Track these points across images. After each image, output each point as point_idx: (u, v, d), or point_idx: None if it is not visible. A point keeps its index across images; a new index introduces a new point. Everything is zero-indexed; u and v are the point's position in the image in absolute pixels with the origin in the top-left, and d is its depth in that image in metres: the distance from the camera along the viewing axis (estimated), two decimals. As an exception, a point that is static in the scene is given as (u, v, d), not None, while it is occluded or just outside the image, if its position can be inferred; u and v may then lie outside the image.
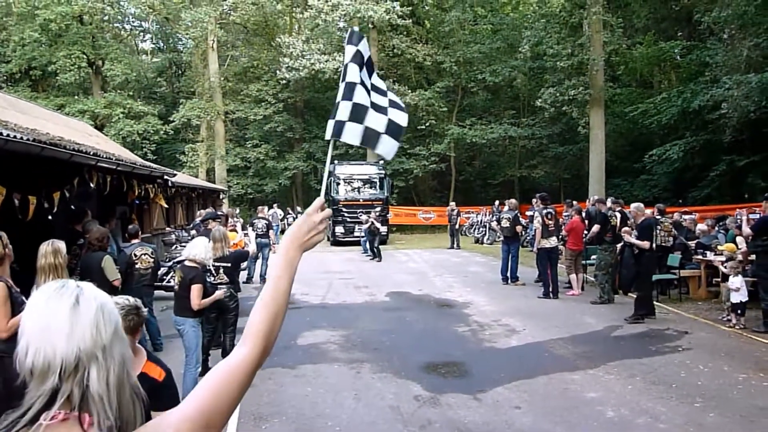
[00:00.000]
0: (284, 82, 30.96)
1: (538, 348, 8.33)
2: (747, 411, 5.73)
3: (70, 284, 1.28)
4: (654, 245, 10.22)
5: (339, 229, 25.18)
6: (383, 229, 21.74)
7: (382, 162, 27.44)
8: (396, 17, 29.01)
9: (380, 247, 20.35)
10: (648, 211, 12.79)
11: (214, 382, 1.29)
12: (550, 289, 12.07)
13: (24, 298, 4.38)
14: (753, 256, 9.81)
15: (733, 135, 20.51)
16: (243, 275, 14.10)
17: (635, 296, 10.59)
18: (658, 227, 12.04)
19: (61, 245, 5.00)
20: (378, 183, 26.02)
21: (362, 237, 22.23)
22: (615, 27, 24.47)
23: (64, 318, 1.21)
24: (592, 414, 5.78)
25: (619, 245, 11.37)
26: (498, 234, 18.93)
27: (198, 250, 6.33)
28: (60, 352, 1.18)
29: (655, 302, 11.28)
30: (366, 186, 26.09)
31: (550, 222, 12.38)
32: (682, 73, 26.85)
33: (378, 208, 22.33)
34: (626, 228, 10.79)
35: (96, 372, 1.20)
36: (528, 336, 9.00)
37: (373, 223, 19.90)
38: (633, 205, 11.01)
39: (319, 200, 1.72)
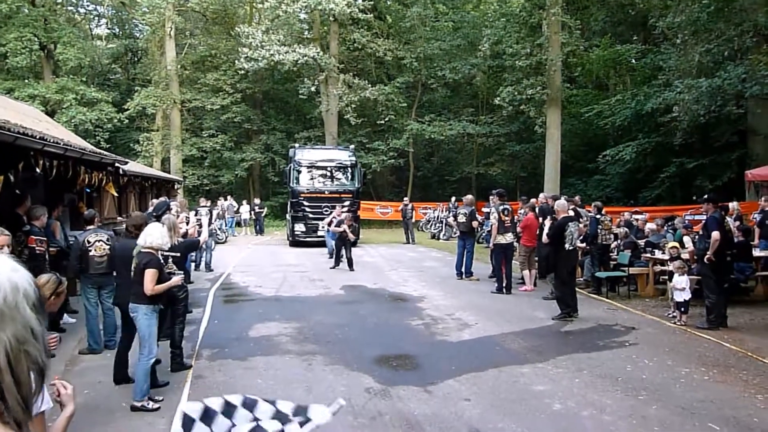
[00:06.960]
0: (243, 72, 30.43)
1: (490, 342, 8.41)
2: (688, 404, 5.88)
3: None
4: (569, 246, 10.00)
5: (299, 227, 21.30)
6: (352, 237, 16.44)
7: (352, 147, 24.89)
8: (357, 11, 28.89)
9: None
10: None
11: None
12: (504, 285, 12.19)
13: None
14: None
15: (684, 138, 21.06)
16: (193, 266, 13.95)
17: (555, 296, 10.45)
18: (599, 226, 12.34)
19: None
20: (348, 171, 22.22)
21: (327, 236, 18.05)
22: (573, 29, 24.83)
23: None
24: (539, 406, 5.86)
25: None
26: (454, 230, 18.99)
27: (153, 237, 6.11)
28: None
29: (604, 299, 11.57)
30: (333, 174, 22.16)
31: (507, 218, 12.50)
32: (637, 77, 27.50)
33: (347, 202, 19.86)
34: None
35: None
36: (480, 330, 9.07)
37: (345, 230, 15.52)
38: (557, 203, 10.78)
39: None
